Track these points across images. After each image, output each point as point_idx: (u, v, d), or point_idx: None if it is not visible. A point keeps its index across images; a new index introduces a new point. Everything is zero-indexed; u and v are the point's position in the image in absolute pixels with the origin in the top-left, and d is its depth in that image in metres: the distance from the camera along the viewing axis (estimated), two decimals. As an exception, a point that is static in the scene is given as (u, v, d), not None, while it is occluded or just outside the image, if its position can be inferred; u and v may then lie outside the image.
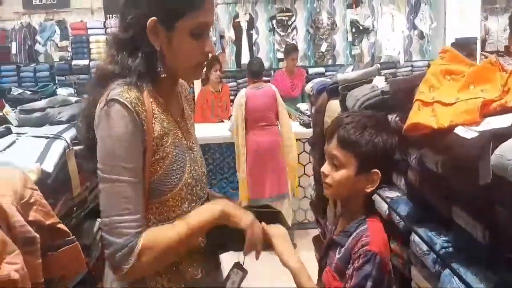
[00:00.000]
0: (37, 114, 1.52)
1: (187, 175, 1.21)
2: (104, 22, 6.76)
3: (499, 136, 1.06)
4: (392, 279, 1.34)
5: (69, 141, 1.38)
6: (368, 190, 1.31)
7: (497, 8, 7.10)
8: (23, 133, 1.37)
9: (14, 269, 0.90)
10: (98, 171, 1.08)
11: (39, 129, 1.42)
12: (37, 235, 1.01)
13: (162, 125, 1.15)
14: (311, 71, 6.51)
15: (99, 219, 1.54)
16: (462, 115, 1.24)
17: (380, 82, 2.03)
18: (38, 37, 6.86)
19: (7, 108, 2.34)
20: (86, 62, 6.75)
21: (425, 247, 1.35)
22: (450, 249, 1.27)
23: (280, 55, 6.77)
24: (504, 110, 1.19)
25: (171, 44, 1.14)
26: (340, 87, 2.33)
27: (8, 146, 1.28)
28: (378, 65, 2.54)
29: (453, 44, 4.24)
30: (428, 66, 1.62)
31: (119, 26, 1.19)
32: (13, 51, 6.87)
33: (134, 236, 1.05)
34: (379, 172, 1.29)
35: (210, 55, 1.23)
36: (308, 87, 3.38)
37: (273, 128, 4.15)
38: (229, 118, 4.79)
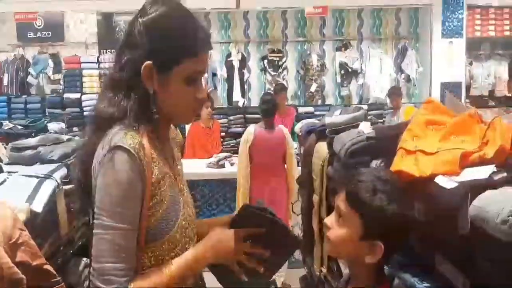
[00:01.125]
0: (29, 152, 1.54)
1: (181, 217, 1.22)
2: (98, 57, 6.86)
3: (477, 188, 1.11)
4: None
5: (59, 181, 1.39)
6: (367, 261, 1.21)
7: (482, 55, 7.36)
8: (14, 172, 1.39)
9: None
10: (96, 216, 1.08)
11: (30, 168, 1.43)
12: (24, 277, 1.02)
13: (159, 169, 1.17)
14: (301, 110, 6.63)
15: (84, 258, 1.55)
16: (443, 165, 1.28)
17: (366, 127, 2.08)
18: (31, 70, 6.93)
19: (-3, 144, 2.36)
20: (78, 95, 6.80)
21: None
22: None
23: (270, 94, 6.89)
24: (483, 161, 1.23)
25: (165, 89, 1.17)
26: (327, 130, 2.39)
27: (0, 184, 1.30)
28: (365, 110, 2.61)
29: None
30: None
31: (114, 66, 1.22)
32: (5, 82, 6.92)
33: (122, 285, 1.05)
34: (382, 245, 1.19)
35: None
36: (297, 127, 3.44)
37: (278, 173, 4.02)
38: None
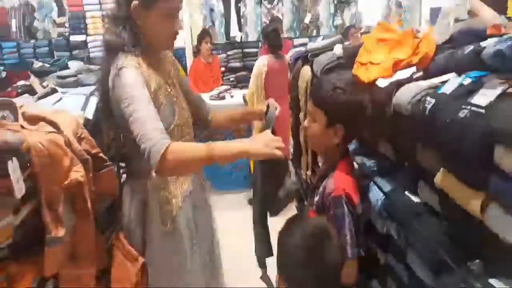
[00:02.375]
0: (71, 78, 1.99)
1: (176, 117, 1.67)
2: (99, -2, 7.09)
3: (399, 85, 1.56)
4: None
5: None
6: (335, 142, 1.54)
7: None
8: (65, 92, 1.85)
9: (80, 175, 1.40)
10: (127, 111, 1.42)
11: (75, 89, 1.90)
12: (89, 157, 1.51)
13: (155, 82, 1.57)
14: (296, 41, 6.92)
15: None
16: (383, 71, 1.73)
17: (338, 49, 2.50)
18: (36, 14, 7.19)
19: (32, 79, 2.79)
20: (83, 37, 7.11)
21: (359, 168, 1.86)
22: (375, 168, 1.78)
23: (266, 27, 7.16)
24: (410, 66, 1.68)
25: (149, 23, 1.54)
26: (309, 54, 2.81)
27: (58, 101, 1.76)
28: (340, 35, 3.00)
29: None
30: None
31: (113, 7, 1.62)
32: (13, 28, 7.21)
33: (161, 140, 1.36)
34: (342, 126, 1.52)
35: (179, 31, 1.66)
36: (288, 56, 3.85)
37: (285, 99, 4.08)
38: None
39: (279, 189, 1.86)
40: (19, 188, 1.10)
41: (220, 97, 5.08)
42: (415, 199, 1.38)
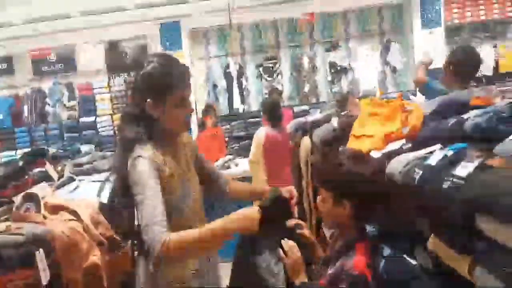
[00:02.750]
0: (87, 166, 2.14)
1: (191, 199, 1.77)
2: (108, 82, 7.48)
3: (392, 155, 1.68)
4: None
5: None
6: (345, 219, 1.60)
7: (461, 40, 7.86)
8: (81, 180, 1.99)
9: (97, 258, 1.49)
10: (137, 199, 1.54)
11: (90, 177, 2.04)
12: (105, 241, 1.61)
13: (170, 168, 1.68)
14: (297, 109, 7.19)
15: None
16: (375, 143, 1.87)
17: (335, 121, 2.66)
18: (47, 100, 7.56)
19: (48, 166, 2.94)
20: (92, 118, 7.43)
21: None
22: (375, 233, 1.86)
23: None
24: (400, 137, 1.81)
25: (164, 113, 1.69)
26: (309, 127, 2.97)
27: (75, 189, 1.90)
28: (336, 108, 3.18)
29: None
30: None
31: (127, 105, 1.80)
32: (25, 113, 7.56)
33: (163, 234, 1.46)
34: (348, 202, 1.57)
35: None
36: (289, 126, 4.03)
37: (286, 166, 4.22)
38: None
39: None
40: (45, 276, 1.20)
41: (225, 166, 5.22)
42: (413, 261, 1.46)
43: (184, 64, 1.79)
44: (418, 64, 3.58)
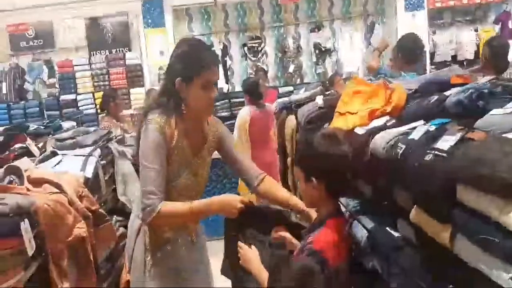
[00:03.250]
0: (69, 141, 2.12)
1: (180, 180, 1.88)
2: (89, 59, 7.35)
3: (375, 131, 1.70)
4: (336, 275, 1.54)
5: (97, 158, 1.99)
6: (315, 196, 1.61)
7: (444, 24, 7.93)
8: (64, 155, 1.97)
9: (83, 231, 1.49)
10: (140, 162, 1.75)
11: (73, 151, 2.02)
12: (90, 214, 1.61)
13: (177, 142, 1.84)
14: (281, 90, 7.17)
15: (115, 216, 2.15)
16: (359, 120, 1.89)
17: (319, 100, 2.67)
18: (27, 77, 7.40)
19: (29, 141, 2.90)
20: (73, 96, 7.30)
21: (343, 209, 1.97)
22: (358, 207, 1.90)
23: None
24: (384, 114, 1.84)
25: (190, 94, 1.84)
26: (293, 105, 2.99)
27: (58, 163, 1.88)
28: (321, 86, 3.20)
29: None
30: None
31: (164, 78, 1.99)
32: (4, 91, 7.39)
33: (156, 200, 1.69)
34: (314, 180, 1.57)
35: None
36: (273, 106, 4.04)
37: (270, 145, 4.32)
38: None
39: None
40: (31, 247, 1.20)
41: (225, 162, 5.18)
42: (395, 233, 1.49)
43: (214, 51, 1.89)
44: (374, 51, 3.86)
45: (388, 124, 1.75)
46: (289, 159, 3.12)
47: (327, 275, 1.47)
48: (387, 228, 1.58)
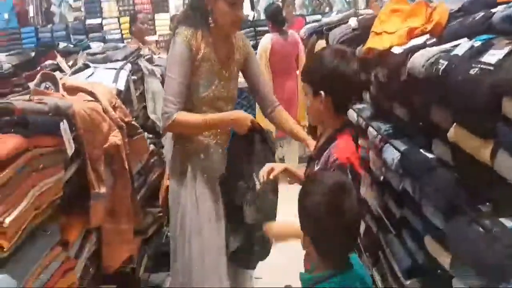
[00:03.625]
0: (100, 55, 2.11)
1: (210, 91, 1.93)
2: (114, -18, 7.19)
3: (414, 50, 1.64)
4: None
5: (128, 72, 1.99)
6: (322, 110, 1.56)
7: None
8: (96, 67, 1.98)
9: (118, 139, 1.52)
10: (166, 70, 1.86)
11: (105, 65, 2.02)
12: (124, 124, 1.63)
13: (204, 54, 1.88)
14: (309, 18, 6.94)
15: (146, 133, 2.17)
16: (397, 39, 1.81)
17: (353, 22, 2.57)
18: (52, 0, 7.32)
19: (59, 58, 2.91)
20: (98, 21, 7.23)
21: (375, 133, 1.96)
22: (390, 131, 1.88)
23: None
24: (424, 33, 1.76)
25: (217, 8, 1.85)
26: (324, 28, 2.89)
27: (90, 75, 1.89)
28: (355, 9, 3.06)
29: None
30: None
31: None
32: (31, 13, 7.35)
33: (174, 109, 1.79)
34: (324, 94, 1.53)
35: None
36: (302, 32, 3.92)
37: (293, 74, 4.31)
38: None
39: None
40: (70, 147, 1.23)
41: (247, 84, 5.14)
42: (429, 155, 1.48)
43: None
44: None
45: (428, 42, 1.67)
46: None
47: (357, 187, 1.49)
48: (421, 149, 1.56)
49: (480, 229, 1.04)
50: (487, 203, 1.13)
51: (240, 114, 1.93)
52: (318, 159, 1.60)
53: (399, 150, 1.70)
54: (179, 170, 1.94)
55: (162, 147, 2.44)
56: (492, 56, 1.16)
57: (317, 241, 1.29)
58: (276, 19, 4.31)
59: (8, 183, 0.99)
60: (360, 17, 2.91)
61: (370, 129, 2.03)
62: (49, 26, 7.33)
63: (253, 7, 7.26)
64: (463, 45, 1.37)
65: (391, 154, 1.75)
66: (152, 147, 2.19)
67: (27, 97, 1.22)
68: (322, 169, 1.54)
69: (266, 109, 2.14)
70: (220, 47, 1.96)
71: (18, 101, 1.12)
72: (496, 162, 1.07)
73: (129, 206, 1.61)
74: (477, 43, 1.32)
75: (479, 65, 1.16)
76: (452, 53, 1.37)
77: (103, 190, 1.40)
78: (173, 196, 1.97)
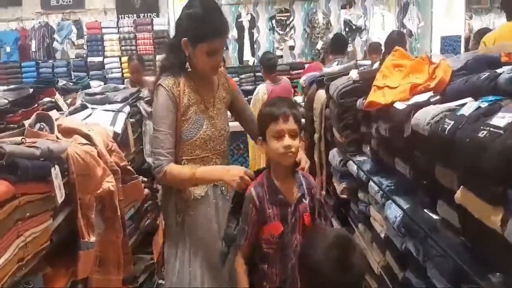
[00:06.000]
0: (99, 96, 2.08)
1: (202, 132, 1.92)
2: (117, 22, 7.30)
3: (418, 107, 1.62)
4: None
5: (127, 114, 1.95)
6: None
7: (481, 9, 7.63)
8: (94, 108, 1.94)
9: (111, 185, 1.46)
10: (153, 124, 1.82)
11: (103, 106, 1.99)
12: (119, 169, 1.58)
13: (189, 99, 1.88)
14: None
15: (141, 177, 2.12)
16: (400, 95, 1.80)
17: (354, 74, 2.57)
18: (56, 36, 7.39)
19: (57, 96, 2.88)
20: (100, 59, 7.30)
21: (376, 188, 1.91)
22: (392, 187, 1.83)
23: (279, 52, 7.32)
24: (427, 90, 1.75)
25: (194, 55, 1.87)
26: (325, 78, 2.89)
27: (88, 116, 1.85)
28: (356, 60, 3.09)
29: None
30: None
31: (171, 39, 2.01)
32: (33, 48, 7.42)
33: (164, 162, 1.77)
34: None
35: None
36: (302, 80, 3.95)
37: None
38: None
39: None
40: (60, 194, 1.17)
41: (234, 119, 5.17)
42: (434, 216, 1.43)
43: (225, 18, 1.91)
44: None
45: (432, 100, 1.66)
46: (316, 135, 3.04)
47: None
48: (425, 209, 1.51)
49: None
50: (497, 274, 1.07)
51: (230, 167, 1.85)
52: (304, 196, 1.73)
53: (402, 209, 1.65)
54: (174, 222, 1.90)
55: (157, 191, 2.38)
56: (502, 119, 1.13)
57: None
58: (268, 64, 4.70)
59: (-9, 232, 0.93)
60: (360, 68, 2.93)
61: (371, 183, 1.99)
62: (51, 61, 7.39)
63: (253, 53, 7.38)
64: (469, 105, 1.35)
65: (394, 212, 1.69)
66: (146, 191, 2.13)
67: (19, 139, 1.17)
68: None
69: (254, 135, 2.14)
70: (203, 88, 1.97)
71: (8, 144, 1.07)
72: (507, 230, 1.02)
73: (119, 255, 1.53)
74: (484, 104, 1.30)
75: (488, 128, 1.13)
76: (458, 113, 1.35)
77: (92, 238, 1.33)
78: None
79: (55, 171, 1.15)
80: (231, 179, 1.72)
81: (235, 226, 1.72)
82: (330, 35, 7.53)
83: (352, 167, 2.34)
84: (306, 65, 6.56)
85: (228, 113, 2.18)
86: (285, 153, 1.64)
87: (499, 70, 1.48)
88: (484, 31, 4.44)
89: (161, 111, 1.82)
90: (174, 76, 1.88)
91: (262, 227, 1.68)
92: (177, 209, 1.90)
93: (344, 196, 2.54)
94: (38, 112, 1.46)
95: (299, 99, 5.15)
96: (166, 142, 1.80)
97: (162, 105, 1.82)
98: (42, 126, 1.44)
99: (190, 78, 1.93)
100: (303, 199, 1.73)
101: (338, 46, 4.80)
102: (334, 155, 2.70)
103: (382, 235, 1.82)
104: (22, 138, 1.15)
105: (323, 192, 2.99)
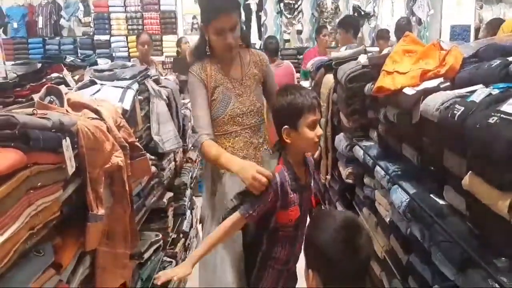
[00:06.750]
0: (107, 73, 2.08)
1: (228, 110, 2.08)
2: (124, 1, 7.25)
3: (427, 93, 1.62)
4: None
5: (135, 91, 1.95)
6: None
7: (490, -2, 7.54)
8: (103, 84, 1.94)
9: (120, 160, 1.47)
10: (191, 105, 2.11)
11: (112, 83, 1.99)
12: (127, 145, 1.59)
13: (215, 81, 2.07)
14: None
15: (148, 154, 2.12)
16: (410, 80, 1.80)
17: (363, 59, 2.56)
18: (63, 13, 7.37)
19: (65, 72, 2.88)
20: (107, 37, 7.28)
21: (383, 173, 1.92)
22: (399, 172, 1.84)
23: (286, 36, 7.28)
24: (437, 76, 1.74)
25: (210, 38, 2.04)
26: (333, 62, 2.88)
27: (97, 92, 1.85)
28: (365, 45, 3.07)
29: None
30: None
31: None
32: (40, 25, 7.40)
33: (202, 135, 2.00)
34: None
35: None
36: (309, 64, 3.93)
37: None
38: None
39: None
40: (71, 166, 1.18)
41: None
42: (440, 201, 1.43)
43: None
44: None
45: (442, 86, 1.65)
46: (323, 120, 3.03)
47: None
48: (431, 194, 1.52)
49: (497, 286, 0.99)
50: (503, 258, 1.08)
51: (247, 163, 1.80)
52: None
53: (408, 193, 1.66)
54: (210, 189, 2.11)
55: (163, 169, 2.40)
56: (512, 106, 1.14)
57: (327, 278, 1.23)
58: (270, 48, 4.70)
59: (3, 201, 0.94)
60: (369, 54, 2.92)
61: (378, 168, 2.00)
62: (57, 38, 7.38)
63: (260, 36, 7.33)
64: (480, 92, 1.35)
65: (399, 197, 1.70)
66: (153, 169, 2.14)
67: (30, 110, 1.17)
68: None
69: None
70: (229, 67, 2.12)
71: (20, 114, 1.07)
72: (515, 215, 1.03)
73: (127, 229, 1.55)
74: (495, 91, 1.30)
75: (498, 114, 1.13)
76: (468, 99, 1.35)
77: (101, 211, 1.34)
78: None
79: (66, 143, 1.16)
80: (244, 177, 1.71)
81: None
82: (338, 20, 7.48)
83: (359, 152, 2.35)
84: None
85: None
86: (317, 142, 1.73)
87: (510, 58, 1.47)
88: (498, 22, 4.37)
89: (193, 95, 2.06)
90: (201, 60, 2.09)
91: (281, 212, 1.70)
92: (212, 179, 2.09)
93: (350, 181, 2.55)
94: (48, 85, 1.46)
95: (305, 84, 5.15)
96: (201, 120, 2.03)
97: (193, 89, 2.06)
98: (52, 100, 1.44)
99: (216, 60, 2.09)
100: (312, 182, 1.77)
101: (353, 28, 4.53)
102: (341, 140, 2.71)
103: (387, 220, 1.83)
104: (33, 110, 1.16)
105: (328, 177, 3.00)
